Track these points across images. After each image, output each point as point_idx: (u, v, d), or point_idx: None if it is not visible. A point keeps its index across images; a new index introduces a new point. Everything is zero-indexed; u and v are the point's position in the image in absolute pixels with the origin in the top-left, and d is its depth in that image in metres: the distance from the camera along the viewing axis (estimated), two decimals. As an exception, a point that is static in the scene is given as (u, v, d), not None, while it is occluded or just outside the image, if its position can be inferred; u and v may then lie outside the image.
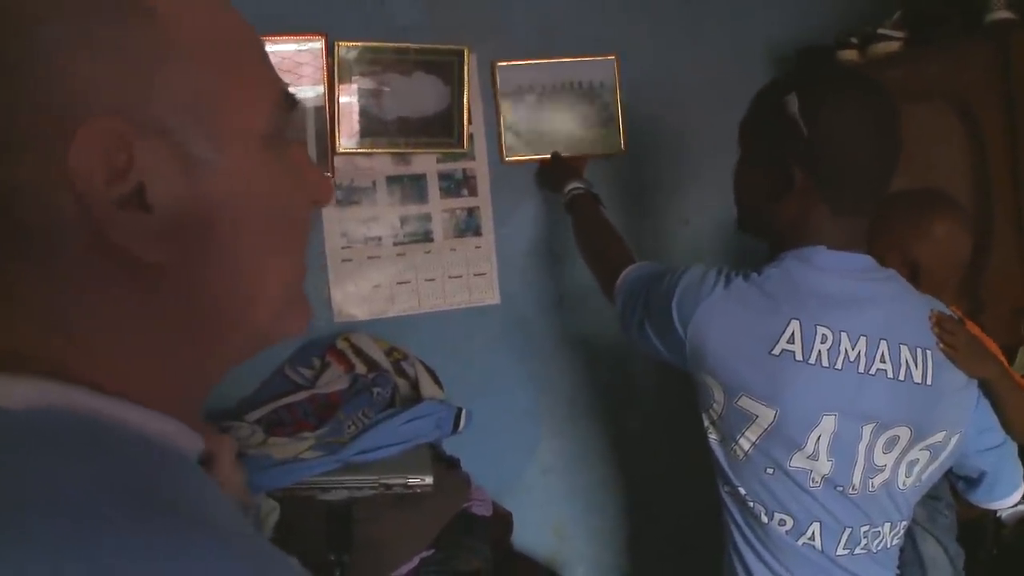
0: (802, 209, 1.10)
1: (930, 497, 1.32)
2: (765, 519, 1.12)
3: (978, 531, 1.62)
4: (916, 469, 1.13)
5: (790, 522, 1.11)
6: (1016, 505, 1.29)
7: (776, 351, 1.03)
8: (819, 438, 1.05)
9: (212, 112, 0.43)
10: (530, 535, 1.87)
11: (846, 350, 1.04)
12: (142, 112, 0.40)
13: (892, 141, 1.09)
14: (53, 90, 0.38)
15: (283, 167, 0.48)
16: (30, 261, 0.39)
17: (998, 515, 1.63)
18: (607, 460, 2.02)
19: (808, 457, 1.06)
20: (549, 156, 1.86)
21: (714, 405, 1.11)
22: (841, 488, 1.08)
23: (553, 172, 1.81)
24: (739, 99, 1.20)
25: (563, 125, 1.89)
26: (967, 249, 1.40)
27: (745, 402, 1.06)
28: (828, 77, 1.15)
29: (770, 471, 1.09)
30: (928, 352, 1.10)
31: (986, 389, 1.19)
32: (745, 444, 1.09)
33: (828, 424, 1.05)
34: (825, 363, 1.03)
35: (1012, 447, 1.23)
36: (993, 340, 1.31)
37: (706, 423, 1.16)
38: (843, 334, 1.05)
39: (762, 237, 1.21)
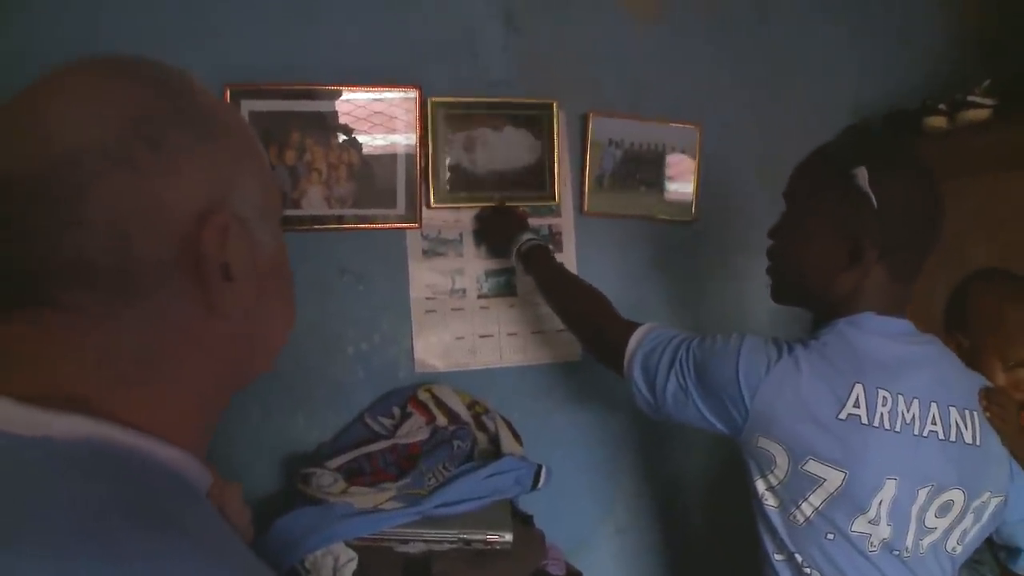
0: (861, 278, 1.13)
1: (974, 561, 1.31)
2: None
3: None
4: (964, 533, 1.14)
5: None
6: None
7: (843, 415, 1.05)
8: (881, 502, 1.07)
9: (267, 206, 0.56)
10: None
11: (902, 412, 1.07)
12: (234, 207, 0.52)
13: (941, 213, 1.14)
14: (188, 192, 0.49)
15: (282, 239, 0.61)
16: (120, 326, 0.48)
17: None
18: (683, 520, 1.98)
19: (870, 522, 1.08)
20: (492, 204, 1.74)
21: (775, 471, 1.12)
22: (897, 552, 1.10)
23: (500, 223, 1.72)
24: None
25: (638, 184, 1.88)
26: None
27: (812, 466, 1.07)
28: (891, 150, 1.18)
29: (831, 536, 1.10)
30: (975, 413, 1.14)
31: None
32: (807, 509, 1.10)
33: (890, 488, 1.06)
34: (887, 426, 1.06)
35: None
36: None
37: (761, 490, 1.15)
38: (900, 396, 1.07)
39: (806, 306, 1.25)
